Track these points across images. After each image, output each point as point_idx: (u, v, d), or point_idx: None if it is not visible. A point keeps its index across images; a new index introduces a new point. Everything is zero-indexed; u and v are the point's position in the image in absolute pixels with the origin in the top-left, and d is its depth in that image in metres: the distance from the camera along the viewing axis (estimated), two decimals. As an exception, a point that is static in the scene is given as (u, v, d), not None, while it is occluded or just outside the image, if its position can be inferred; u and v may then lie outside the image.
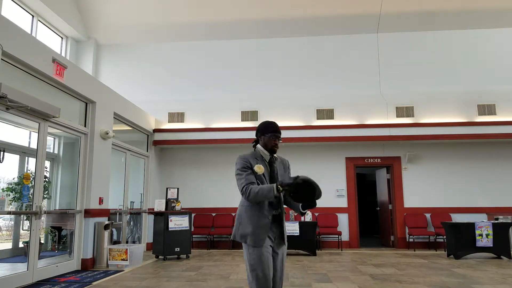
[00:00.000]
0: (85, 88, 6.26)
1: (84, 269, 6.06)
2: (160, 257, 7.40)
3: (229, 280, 5.19)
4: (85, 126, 6.45)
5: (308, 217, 8.01)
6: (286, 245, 2.65)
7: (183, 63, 9.97)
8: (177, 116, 9.47)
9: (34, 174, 5.25)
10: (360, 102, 9.21)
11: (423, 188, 9.11)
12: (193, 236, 8.87)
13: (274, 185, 2.42)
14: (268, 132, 2.65)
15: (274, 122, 2.71)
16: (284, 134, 10.19)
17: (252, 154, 2.67)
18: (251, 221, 2.50)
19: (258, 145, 2.72)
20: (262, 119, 9.12)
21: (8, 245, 6.79)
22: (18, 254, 6.67)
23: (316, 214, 8.97)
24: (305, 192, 2.40)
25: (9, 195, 6.36)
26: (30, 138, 6.46)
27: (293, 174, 2.76)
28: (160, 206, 7.44)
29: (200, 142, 9.14)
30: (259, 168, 2.57)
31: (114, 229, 7.24)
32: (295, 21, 9.57)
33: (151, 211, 8.50)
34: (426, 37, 9.65)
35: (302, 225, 7.72)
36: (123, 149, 7.88)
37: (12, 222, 6.97)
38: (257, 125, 2.73)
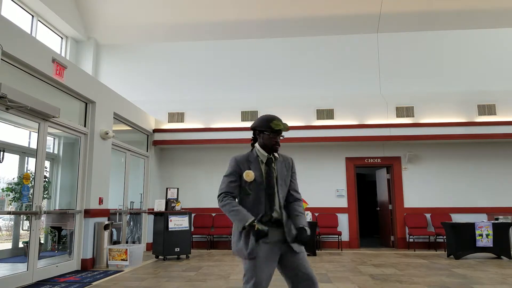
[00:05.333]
0: (85, 88, 6.26)
1: (84, 269, 6.06)
2: (160, 257, 7.40)
3: (229, 280, 5.19)
4: (85, 126, 6.45)
5: (308, 217, 8.00)
6: None
7: (183, 63, 9.97)
8: (177, 116, 9.47)
9: (34, 174, 5.25)
10: (360, 102, 9.20)
11: (423, 188, 9.11)
12: (193, 236, 8.87)
13: (250, 220, 2.24)
14: (267, 129, 2.38)
15: (274, 116, 2.43)
16: (284, 134, 10.13)
17: (247, 155, 2.42)
18: None
19: (256, 144, 2.46)
20: (262, 119, 9.09)
21: (8, 245, 6.79)
22: (18, 254, 6.68)
23: (316, 214, 8.97)
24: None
25: (9, 195, 6.36)
26: (30, 138, 6.46)
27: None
28: (160, 206, 7.44)
29: (200, 142, 9.14)
30: (248, 175, 2.33)
31: (114, 229, 7.24)
32: (295, 21, 9.57)
33: (151, 211, 8.49)
34: (426, 37, 9.65)
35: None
36: (123, 149, 7.88)
37: (12, 222, 6.97)
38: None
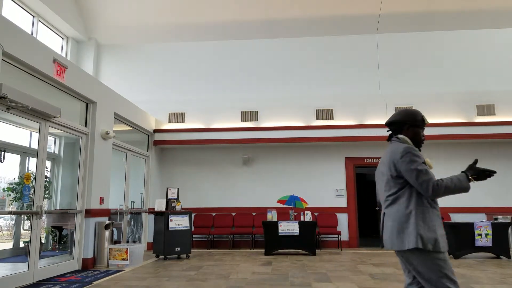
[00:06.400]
0: (85, 88, 6.28)
1: (85, 268, 6.08)
2: (160, 256, 7.42)
3: (229, 280, 5.21)
4: (85, 126, 6.47)
5: (308, 217, 8.03)
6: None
7: (183, 63, 10.00)
8: (177, 116, 9.49)
9: (35, 174, 5.27)
10: (359, 102, 9.22)
11: (422, 188, 9.11)
12: (193, 236, 8.90)
13: (464, 174, 2.18)
14: (421, 124, 2.38)
15: (419, 111, 2.43)
16: (284, 134, 10.13)
17: None
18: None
19: (404, 137, 2.38)
20: (262, 119, 9.15)
21: (9, 245, 6.80)
22: (18, 254, 6.69)
23: (316, 214, 8.99)
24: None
25: (10, 195, 6.37)
26: (31, 138, 6.47)
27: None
28: (160, 206, 7.46)
29: (200, 142, 9.16)
30: (430, 164, 2.27)
31: (114, 229, 7.26)
32: (295, 21, 9.59)
33: (151, 211, 8.52)
34: (426, 37, 9.67)
35: (302, 225, 7.74)
36: (124, 149, 7.90)
37: (13, 222, 6.98)
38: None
